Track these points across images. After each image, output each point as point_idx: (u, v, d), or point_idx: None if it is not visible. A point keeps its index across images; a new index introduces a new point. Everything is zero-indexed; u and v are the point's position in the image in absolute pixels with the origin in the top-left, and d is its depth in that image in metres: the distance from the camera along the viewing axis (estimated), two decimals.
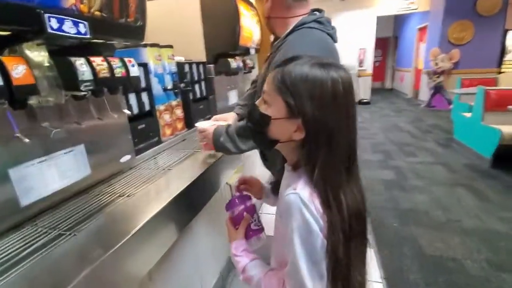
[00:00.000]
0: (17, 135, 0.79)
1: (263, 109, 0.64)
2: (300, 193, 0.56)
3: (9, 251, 0.76)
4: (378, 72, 11.73)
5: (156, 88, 1.66)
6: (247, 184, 0.94)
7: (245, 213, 0.81)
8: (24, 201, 0.88)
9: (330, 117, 0.56)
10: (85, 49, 1.00)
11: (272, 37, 1.33)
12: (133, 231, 0.79)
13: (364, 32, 8.14)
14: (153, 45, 1.61)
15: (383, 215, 2.64)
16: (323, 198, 0.56)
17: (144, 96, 1.55)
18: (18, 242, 0.80)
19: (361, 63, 8.48)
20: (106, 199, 1.04)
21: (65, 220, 0.91)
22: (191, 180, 1.12)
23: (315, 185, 0.57)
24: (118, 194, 1.07)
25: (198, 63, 2.06)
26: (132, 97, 1.47)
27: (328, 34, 1.03)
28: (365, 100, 8.52)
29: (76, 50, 0.97)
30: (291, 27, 1.04)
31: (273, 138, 0.64)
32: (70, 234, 0.81)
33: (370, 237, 0.68)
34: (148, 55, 1.58)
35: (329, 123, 0.56)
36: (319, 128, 0.56)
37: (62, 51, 0.92)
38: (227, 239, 0.81)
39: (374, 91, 9.51)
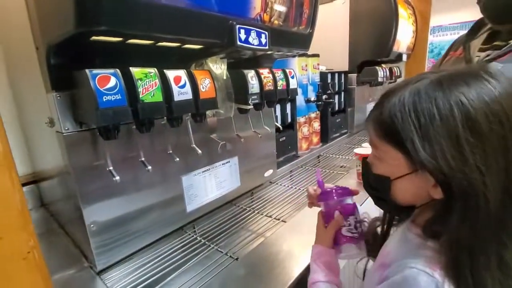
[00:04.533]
0: (193, 145, 0.81)
1: (376, 168, 0.47)
2: (438, 278, 0.37)
3: (174, 258, 0.78)
4: None
5: (299, 99, 1.58)
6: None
7: (336, 212, 0.60)
8: (189, 208, 0.91)
9: (467, 167, 0.36)
10: (250, 60, 0.99)
11: None
12: (297, 274, 0.67)
13: None
14: (301, 54, 1.54)
15: None
16: None
17: (288, 108, 1.49)
18: (180, 249, 0.83)
19: None
20: (257, 217, 0.99)
21: (220, 232, 0.90)
22: None
23: (450, 271, 0.38)
24: (266, 214, 1.01)
25: (340, 73, 1.88)
26: (277, 109, 1.43)
27: None
28: None
29: (242, 62, 0.97)
30: None
31: (405, 203, 0.46)
32: (230, 256, 0.77)
33: None
34: (296, 65, 1.52)
35: (467, 177, 0.36)
36: (453, 185, 0.37)
37: (233, 63, 0.92)
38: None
39: None
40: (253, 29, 0.70)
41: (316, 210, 0.67)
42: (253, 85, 0.85)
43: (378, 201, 0.51)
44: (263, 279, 0.69)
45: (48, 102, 0.62)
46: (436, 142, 0.36)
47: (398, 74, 2.30)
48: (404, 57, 2.10)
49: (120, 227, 0.75)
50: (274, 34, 0.78)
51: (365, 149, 1.18)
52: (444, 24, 5.67)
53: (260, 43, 0.73)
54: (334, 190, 0.64)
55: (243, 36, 0.68)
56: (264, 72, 0.90)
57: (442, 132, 0.36)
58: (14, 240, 0.32)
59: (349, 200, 0.63)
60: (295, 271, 0.70)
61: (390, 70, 2.14)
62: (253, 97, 0.86)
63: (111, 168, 0.65)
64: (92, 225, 0.69)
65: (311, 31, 0.94)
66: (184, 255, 0.79)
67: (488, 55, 0.72)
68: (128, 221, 0.77)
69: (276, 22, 0.79)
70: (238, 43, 0.67)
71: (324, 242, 0.59)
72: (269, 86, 0.91)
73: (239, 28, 0.67)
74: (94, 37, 0.51)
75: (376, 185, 0.48)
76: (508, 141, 0.35)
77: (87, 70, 0.52)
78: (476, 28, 0.82)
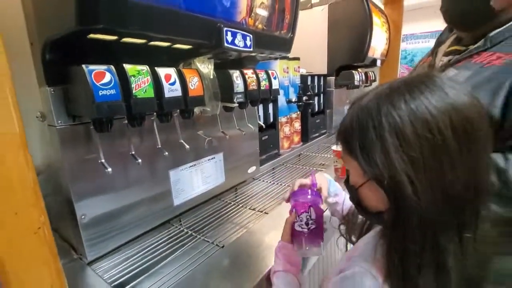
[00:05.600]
0: (181, 141, 0.85)
1: (350, 177, 0.51)
2: (381, 282, 0.42)
3: (162, 249, 0.82)
4: None
5: (281, 100, 1.65)
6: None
7: (291, 209, 0.68)
8: (176, 201, 0.95)
9: (396, 172, 0.38)
10: (235, 61, 1.04)
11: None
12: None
13: None
14: (283, 57, 1.61)
15: None
16: None
17: (271, 108, 1.56)
18: (168, 240, 0.86)
19: None
20: (242, 211, 1.04)
21: (206, 224, 0.94)
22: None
23: (387, 277, 0.41)
24: (249, 207, 1.06)
25: (319, 76, 1.98)
26: (260, 109, 1.50)
27: None
28: None
29: (227, 63, 1.02)
30: None
31: (372, 210, 0.48)
32: (216, 245, 0.82)
33: None
34: (278, 67, 1.59)
35: (396, 182, 0.38)
36: (387, 190, 0.40)
37: (219, 64, 0.97)
38: None
39: None
40: (239, 32, 0.76)
41: None
42: (238, 85, 0.91)
43: (357, 210, 0.54)
44: (247, 264, 0.74)
45: (41, 97, 0.64)
46: (370, 150, 0.40)
47: (373, 78, 2.44)
48: (378, 63, 2.24)
49: (109, 220, 0.78)
50: (258, 37, 0.84)
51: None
52: (416, 33, 6.03)
53: (245, 45, 0.79)
54: (301, 190, 0.72)
55: (229, 38, 0.73)
56: (248, 72, 0.96)
57: (375, 141, 0.39)
58: (27, 216, 0.35)
59: (302, 199, 0.70)
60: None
61: (366, 74, 2.27)
62: (238, 96, 0.91)
63: (103, 160, 0.68)
64: (83, 216, 0.71)
65: (292, 35, 1.01)
66: (172, 246, 0.83)
67: (449, 60, 0.78)
68: (118, 214, 0.79)
69: (260, 26, 0.85)
70: (225, 44, 0.72)
71: (284, 237, 0.66)
72: (253, 85, 0.97)
73: (226, 31, 0.72)
74: (91, 35, 0.54)
75: (350, 194, 0.52)
76: (437, 148, 0.37)
77: (84, 66, 0.55)
78: (444, 34, 0.89)
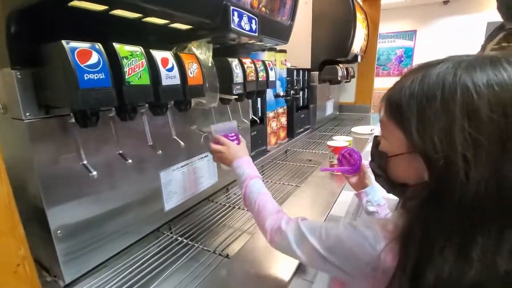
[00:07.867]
0: (174, 137, 0.75)
1: (381, 145, 0.48)
2: (378, 231, 0.41)
3: (156, 263, 0.71)
4: None
5: (268, 94, 1.57)
6: None
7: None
8: (167, 206, 0.84)
9: (453, 153, 0.34)
10: (229, 49, 0.95)
11: None
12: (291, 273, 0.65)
13: (471, 39, 6.95)
14: (270, 49, 1.54)
15: None
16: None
17: (259, 102, 1.48)
18: (160, 252, 0.75)
19: None
20: (236, 212, 0.95)
21: (201, 231, 0.84)
22: (328, 208, 0.95)
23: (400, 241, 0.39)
24: (243, 207, 0.97)
25: (304, 70, 1.94)
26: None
27: None
28: None
29: (221, 50, 0.92)
30: None
31: (399, 181, 0.47)
32: (219, 255, 0.72)
33: None
34: (266, 59, 1.51)
35: (450, 163, 0.34)
36: (435, 169, 0.36)
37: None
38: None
39: None
40: (245, 13, 0.67)
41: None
42: (238, 74, 0.82)
43: (376, 177, 0.52)
44: (261, 276, 0.65)
45: (3, 82, 0.50)
46: (429, 124, 0.35)
47: (353, 74, 2.47)
48: (359, 58, 2.25)
49: (90, 231, 0.65)
50: (262, 22, 0.75)
51: (337, 141, 1.23)
52: (382, 33, 6.29)
53: (250, 29, 0.70)
54: None
55: (236, 19, 0.64)
56: (247, 62, 0.87)
57: (438, 115, 0.35)
58: (1, 249, 0.24)
59: None
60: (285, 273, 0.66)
61: (347, 69, 2.28)
62: (237, 87, 0.83)
63: (85, 162, 0.55)
64: (59, 231, 0.58)
65: (291, 23, 0.94)
66: (167, 258, 0.72)
67: None
68: (99, 224, 0.67)
69: (263, 9, 0.77)
70: (232, 26, 0.63)
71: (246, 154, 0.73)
72: (251, 76, 0.88)
73: (233, 10, 0.63)
74: (74, 2, 0.42)
75: (378, 158, 0.49)
76: (506, 134, 0.32)
77: (64, 42, 0.43)
78: (494, 31, 0.94)
